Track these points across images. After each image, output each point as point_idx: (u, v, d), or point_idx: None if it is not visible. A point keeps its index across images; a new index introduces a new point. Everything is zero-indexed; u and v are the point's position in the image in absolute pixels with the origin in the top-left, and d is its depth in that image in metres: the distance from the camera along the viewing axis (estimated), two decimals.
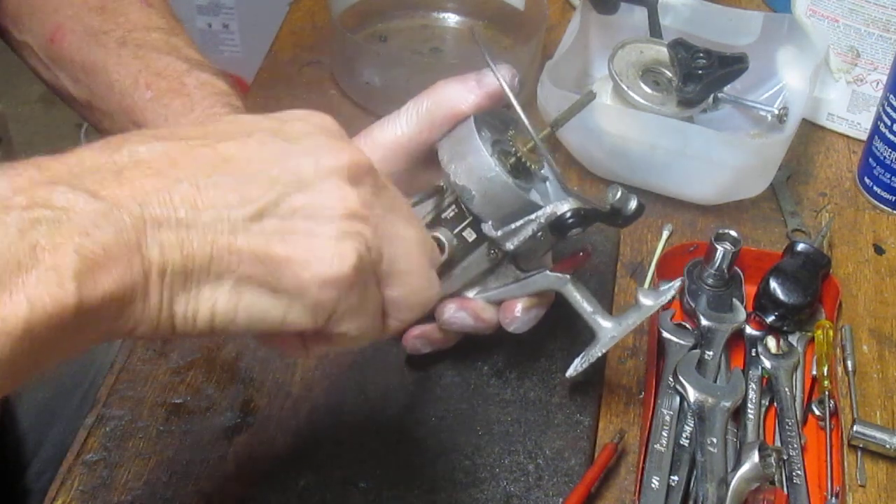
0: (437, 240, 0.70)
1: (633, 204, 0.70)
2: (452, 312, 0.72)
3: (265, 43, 1.12)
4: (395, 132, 0.69)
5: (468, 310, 0.72)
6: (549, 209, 0.68)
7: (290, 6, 1.17)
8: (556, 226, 0.68)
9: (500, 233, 0.68)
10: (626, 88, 0.94)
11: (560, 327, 0.80)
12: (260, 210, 0.49)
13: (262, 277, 0.49)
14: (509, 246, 0.69)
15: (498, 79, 0.68)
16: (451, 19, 1.13)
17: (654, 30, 0.99)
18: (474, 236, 0.70)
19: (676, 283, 0.72)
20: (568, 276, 0.72)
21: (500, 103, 0.69)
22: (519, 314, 0.72)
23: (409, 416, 0.75)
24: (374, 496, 0.70)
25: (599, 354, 0.71)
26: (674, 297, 0.83)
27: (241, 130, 0.52)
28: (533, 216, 0.68)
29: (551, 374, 0.78)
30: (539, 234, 0.68)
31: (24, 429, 0.96)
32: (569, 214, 0.68)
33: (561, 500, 0.70)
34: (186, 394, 0.75)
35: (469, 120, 0.68)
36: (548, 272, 0.71)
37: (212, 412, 0.74)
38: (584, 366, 0.71)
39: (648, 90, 0.94)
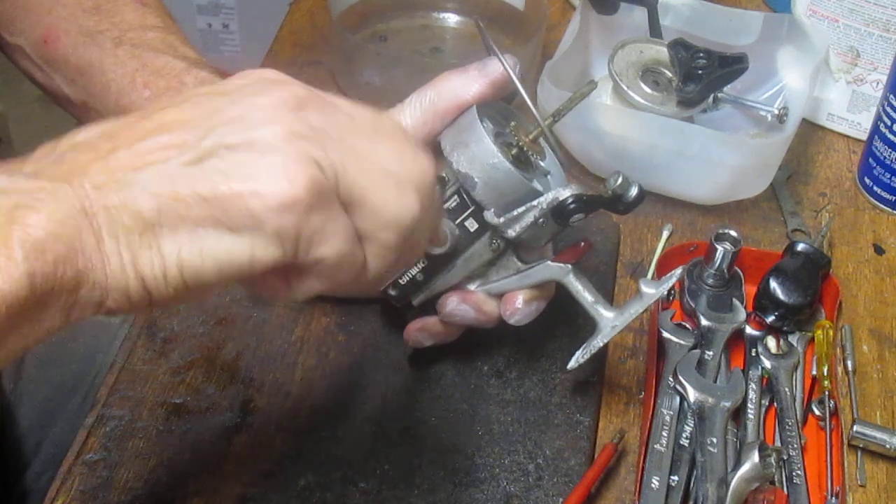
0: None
1: (634, 190, 0.69)
2: (454, 305, 0.73)
3: (265, 43, 1.12)
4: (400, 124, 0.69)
5: (470, 302, 0.72)
6: (550, 195, 0.68)
7: (290, 6, 1.17)
8: (558, 212, 0.68)
9: (502, 220, 0.68)
10: (626, 88, 0.94)
11: (560, 327, 0.80)
12: (198, 155, 0.48)
13: (217, 218, 0.48)
14: (511, 233, 0.69)
15: (501, 61, 0.68)
16: (451, 19, 1.13)
17: (654, 30, 0.99)
18: (476, 226, 0.70)
19: (678, 272, 0.72)
20: (570, 266, 0.71)
21: (503, 92, 0.70)
22: (520, 306, 0.72)
23: (409, 416, 0.75)
24: (374, 496, 0.70)
25: (601, 345, 0.71)
26: (673, 294, 0.84)
27: (178, 99, 0.52)
28: (535, 202, 0.68)
29: (551, 374, 0.78)
30: (541, 220, 0.68)
31: (24, 429, 0.96)
32: (570, 200, 0.68)
33: (561, 500, 0.70)
34: (186, 394, 0.75)
35: (472, 109, 0.68)
36: (549, 262, 0.71)
37: (212, 412, 0.74)
38: (586, 357, 0.71)
39: (648, 90, 0.94)
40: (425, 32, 1.12)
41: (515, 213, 0.68)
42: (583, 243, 0.73)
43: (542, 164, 0.73)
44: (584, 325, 0.73)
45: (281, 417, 0.74)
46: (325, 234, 0.50)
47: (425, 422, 0.74)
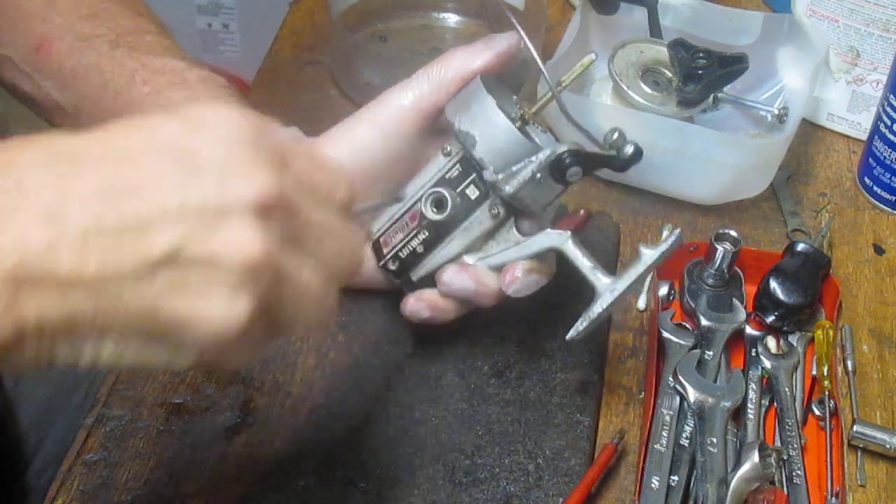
0: (441, 195, 0.71)
1: (630, 147, 0.70)
2: (452, 275, 0.73)
3: (265, 43, 1.12)
4: (406, 96, 0.72)
5: (468, 272, 0.73)
6: (548, 150, 0.68)
7: (290, 6, 1.17)
8: (556, 167, 0.68)
9: (500, 176, 0.69)
10: (626, 88, 0.94)
11: (560, 327, 0.80)
12: (153, 263, 0.46)
13: (148, 332, 0.47)
14: (509, 189, 0.69)
15: (513, 22, 0.70)
16: (451, 19, 1.13)
17: (654, 30, 0.99)
18: (477, 193, 0.71)
19: (677, 232, 0.70)
20: (568, 233, 0.71)
21: (509, 65, 0.71)
22: (519, 275, 0.72)
23: (409, 416, 0.75)
24: (374, 496, 0.70)
25: (600, 311, 0.69)
26: (673, 294, 0.84)
27: (144, 147, 0.47)
28: (533, 158, 0.68)
29: (551, 374, 0.78)
30: (538, 175, 0.68)
31: (24, 427, 0.96)
32: (566, 154, 0.68)
33: (561, 500, 0.70)
34: (186, 394, 0.75)
35: (476, 77, 0.70)
36: (548, 230, 0.71)
37: (212, 412, 0.74)
38: (585, 325, 0.69)
39: (648, 90, 0.94)
40: (425, 32, 1.12)
41: (514, 168, 0.69)
42: (582, 211, 0.73)
43: (545, 136, 0.74)
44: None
45: (281, 417, 0.74)
46: (246, 349, 0.50)
47: (425, 422, 0.74)
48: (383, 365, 0.78)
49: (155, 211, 0.46)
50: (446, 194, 0.71)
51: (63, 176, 0.45)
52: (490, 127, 0.68)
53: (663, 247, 0.70)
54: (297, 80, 1.06)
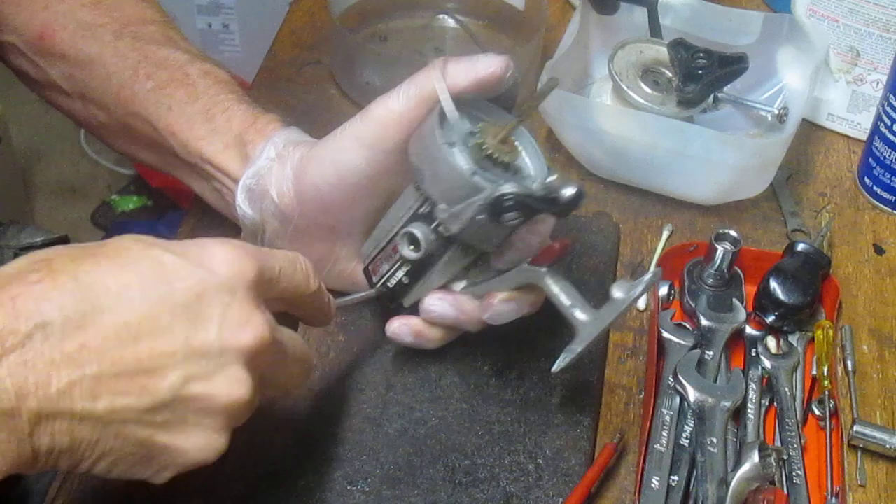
0: (413, 235, 0.70)
1: (569, 190, 0.65)
2: (433, 301, 0.73)
3: (265, 43, 1.12)
4: (389, 108, 0.69)
5: (449, 300, 0.73)
6: (490, 190, 0.65)
7: (290, 6, 1.17)
8: (494, 208, 0.65)
9: (447, 215, 0.67)
10: (626, 88, 0.94)
11: (560, 327, 0.80)
12: (154, 405, 0.53)
13: (139, 456, 0.55)
14: (454, 229, 0.67)
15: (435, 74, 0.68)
16: (451, 19, 1.13)
17: (654, 30, 0.99)
18: (449, 231, 0.69)
19: (648, 276, 0.69)
20: (544, 269, 0.70)
21: (490, 92, 0.69)
22: (495, 304, 0.72)
23: (409, 416, 0.75)
24: (374, 496, 0.70)
25: (579, 350, 0.69)
26: (674, 294, 0.84)
27: (158, 295, 0.54)
28: (476, 197, 0.66)
29: (551, 374, 0.78)
30: (480, 217, 0.66)
31: None
32: (508, 196, 0.65)
33: (561, 500, 0.70)
34: None
35: (435, 108, 0.67)
36: (525, 265, 0.70)
37: None
38: (567, 361, 0.69)
39: (648, 90, 0.94)
40: (425, 32, 1.12)
41: (457, 208, 0.67)
42: (557, 245, 0.70)
43: (520, 163, 0.70)
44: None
45: (281, 417, 0.74)
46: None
47: (425, 422, 0.74)
48: (383, 365, 0.78)
49: (165, 354, 0.53)
50: (419, 234, 0.70)
51: (84, 322, 0.51)
52: (436, 163, 0.66)
53: (636, 290, 0.68)
54: (297, 80, 1.06)
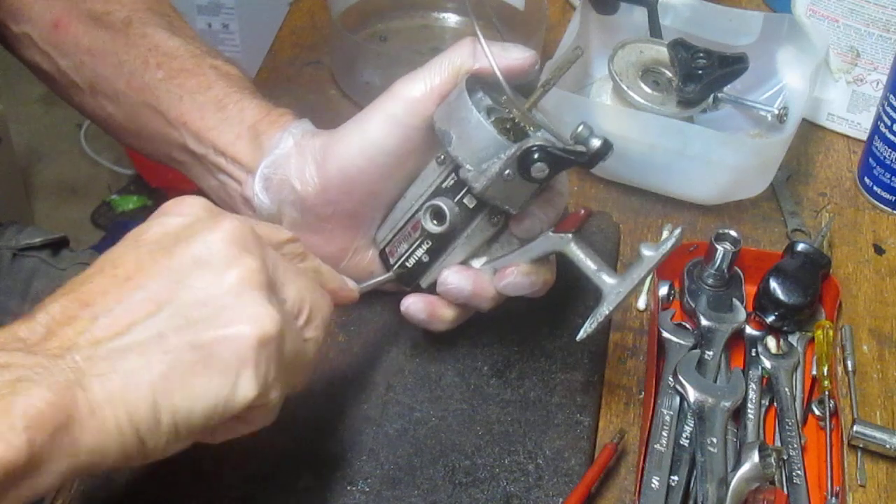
0: (438, 207, 0.71)
1: (596, 141, 0.67)
2: (450, 274, 0.73)
3: (265, 43, 1.12)
4: (418, 87, 0.71)
5: (466, 274, 0.73)
6: (517, 145, 0.67)
7: (290, 6, 1.17)
8: (523, 162, 0.67)
9: (471, 173, 0.68)
10: (626, 88, 0.94)
11: (560, 327, 0.80)
12: (176, 308, 0.54)
13: (206, 362, 0.54)
14: (478, 186, 0.68)
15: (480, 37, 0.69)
16: (451, 19, 1.13)
17: (654, 30, 0.99)
18: (475, 202, 0.71)
19: (678, 231, 0.70)
20: (570, 235, 0.71)
21: (515, 80, 0.70)
22: (512, 274, 0.72)
23: (409, 416, 0.75)
24: (374, 496, 0.70)
25: (607, 312, 0.69)
26: (674, 294, 0.84)
27: (132, 251, 0.56)
28: (502, 154, 0.67)
29: (551, 374, 0.78)
30: (507, 172, 0.67)
31: None
32: (535, 148, 0.66)
33: (561, 500, 0.70)
34: None
35: (463, 77, 0.69)
36: (550, 233, 0.71)
37: None
38: (593, 326, 0.69)
39: (648, 90, 0.94)
40: (425, 32, 1.12)
41: (484, 166, 0.68)
42: (582, 211, 0.72)
43: (538, 135, 0.72)
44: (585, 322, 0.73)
45: (281, 417, 0.74)
46: (293, 362, 0.60)
47: (425, 422, 0.74)
48: (383, 365, 0.78)
49: (152, 269, 0.54)
50: (444, 206, 0.71)
51: (83, 294, 0.54)
52: (464, 124, 0.68)
53: (665, 246, 0.69)
54: (297, 80, 1.06)
